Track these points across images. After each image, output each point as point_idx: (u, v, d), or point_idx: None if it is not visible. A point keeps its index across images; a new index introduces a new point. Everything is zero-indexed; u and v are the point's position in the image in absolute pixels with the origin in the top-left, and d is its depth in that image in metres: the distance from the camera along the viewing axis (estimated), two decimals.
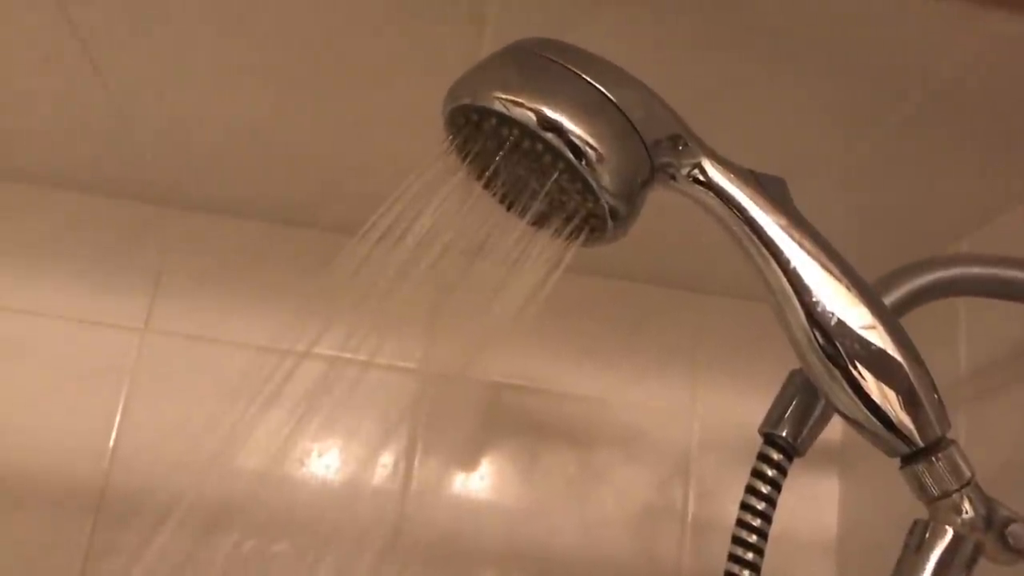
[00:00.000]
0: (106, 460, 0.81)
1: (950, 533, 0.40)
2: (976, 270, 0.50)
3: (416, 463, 0.83)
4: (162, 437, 0.80)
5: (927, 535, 0.40)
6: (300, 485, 0.82)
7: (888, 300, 0.48)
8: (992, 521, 0.40)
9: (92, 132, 0.76)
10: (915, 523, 0.41)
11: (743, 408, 0.71)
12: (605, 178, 0.40)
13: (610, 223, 0.42)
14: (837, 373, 0.40)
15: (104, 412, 0.82)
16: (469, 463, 0.84)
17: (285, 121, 0.71)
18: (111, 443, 0.81)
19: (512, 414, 0.86)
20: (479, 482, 0.84)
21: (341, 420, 0.83)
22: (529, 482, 0.84)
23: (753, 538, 0.46)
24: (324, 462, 0.83)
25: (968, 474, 0.40)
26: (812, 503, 0.85)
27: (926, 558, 0.40)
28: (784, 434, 0.47)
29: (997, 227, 0.68)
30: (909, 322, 0.43)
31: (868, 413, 0.40)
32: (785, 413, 0.48)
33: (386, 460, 0.84)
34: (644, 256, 0.84)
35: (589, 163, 0.40)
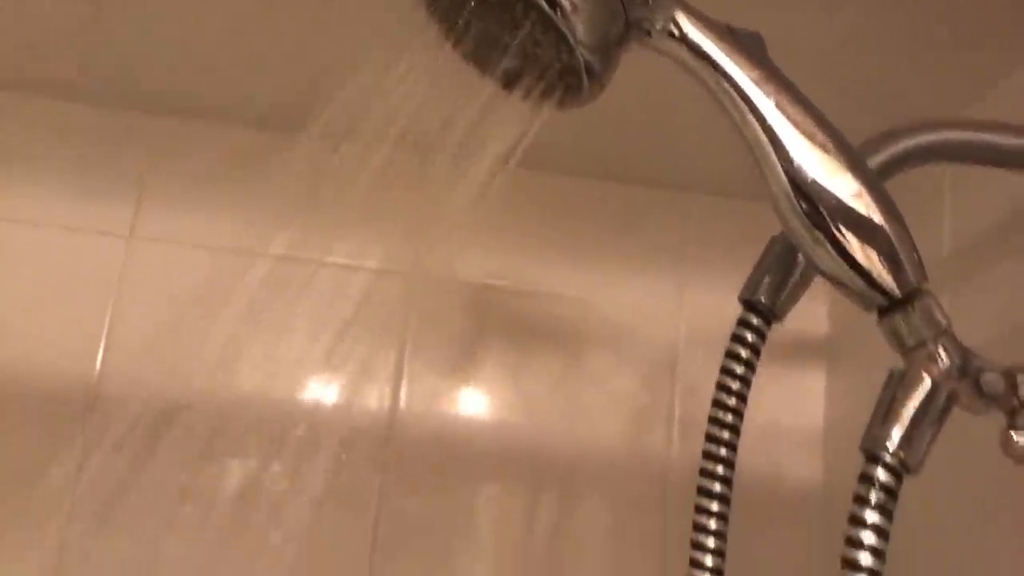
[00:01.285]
0: (95, 368, 0.81)
1: (927, 381, 0.40)
2: (962, 134, 0.50)
3: (404, 368, 0.83)
4: (151, 345, 0.80)
5: (902, 384, 0.40)
6: (288, 394, 0.82)
7: (872, 163, 0.47)
8: (967, 370, 0.40)
9: (73, 35, 0.75)
10: (891, 373, 0.41)
11: (730, 307, 0.71)
12: (579, 29, 0.39)
13: (585, 79, 0.41)
14: (819, 235, 0.40)
15: (92, 320, 0.82)
16: (457, 366, 0.84)
17: (267, 21, 0.70)
18: (100, 352, 0.81)
19: (499, 315, 0.86)
20: (467, 385, 0.84)
21: (328, 325, 0.83)
22: (517, 383, 0.84)
23: (733, 401, 0.46)
24: (310, 368, 0.83)
25: (944, 323, 0.40)
26: (799, 397, 0.85)
27: (903, 405, 0.40)
28: (763, 300, 0.47)
29: (987, 104, 0.66)
30: (892, 195, 0.43)
31: (852, 272, 0.40)
32: (763, 279, 0.48)
33: (375, 365, 0.84)
34: (631, 156, 0.83)
35: (563, 12, 0.39)
